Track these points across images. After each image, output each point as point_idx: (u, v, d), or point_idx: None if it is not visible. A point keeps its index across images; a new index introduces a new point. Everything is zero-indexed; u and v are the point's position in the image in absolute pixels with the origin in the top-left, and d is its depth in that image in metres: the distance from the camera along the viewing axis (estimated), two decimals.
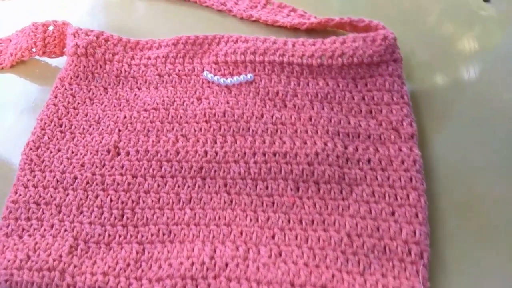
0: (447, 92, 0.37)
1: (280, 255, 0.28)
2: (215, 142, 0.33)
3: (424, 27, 0.42)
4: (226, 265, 0.27)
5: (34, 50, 0.39)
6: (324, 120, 0.33)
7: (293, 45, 0.36)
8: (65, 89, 0.36)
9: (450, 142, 0.34)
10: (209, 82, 0.36)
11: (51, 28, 0.39)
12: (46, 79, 0.39)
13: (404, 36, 0.38)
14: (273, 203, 0.30)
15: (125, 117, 0.34)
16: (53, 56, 0.39)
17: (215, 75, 0.36)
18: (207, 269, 0.27)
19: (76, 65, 0.37)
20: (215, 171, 0.31)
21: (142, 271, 0.28)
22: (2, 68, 0.40)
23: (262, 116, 0.34)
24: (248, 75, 0.36)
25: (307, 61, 0.35)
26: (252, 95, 0.35)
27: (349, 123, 0.33)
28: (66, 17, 0.43)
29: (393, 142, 0.32)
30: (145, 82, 0.37)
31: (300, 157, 0.31)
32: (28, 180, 0.31)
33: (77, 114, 0.35)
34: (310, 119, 0.33)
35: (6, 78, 0.40)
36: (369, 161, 0.31)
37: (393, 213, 0.29)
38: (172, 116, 0.34)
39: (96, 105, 0.35)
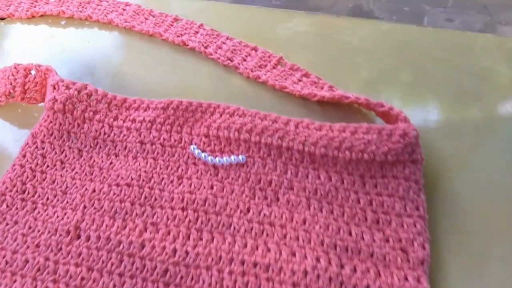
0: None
1: None
2: (188, 238, 0.28)
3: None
4: None
5: (12, 95, 0.35)
6: (321, 226, 0.28)
7: (296, 127, 0.31)
8: (36, 147, 0.32)
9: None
10: (195, 158, 0.31)
11: (33, 72, 0.35)
12: (26, 126, 0.36)
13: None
14: None
15: (94, 190, 0.30)
16: (33, 102, 0.36)
17: (203, 150, 0.32)
18: None
19: (51, 121, 0.33)
20: (181, 278, 0.26)
21: None
22: None
23: (248, 210, 0.29)
24: (240, 157, 0.31)
25: (309, 149, 0.30)
26: (241, 181, 0.30)
27: (350, 234, 0.28)
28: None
29: (399, 267, 0.26)
30: (125, 149, 0.32)
31: (285, 273, 0.26)
32: None
33: (43, 180, 0.31)
34: (304, 222, 0.28)
35: None
36: None
37: None
38: (145, 197, 0.30)
39: (67, 171, 0.31)
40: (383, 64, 0.40)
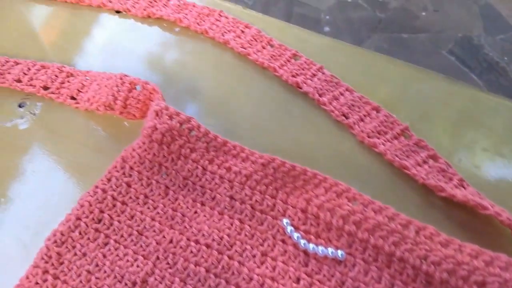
0: None
1: None
2: None
3: None
4: None
5: (112, 107, 0.33)
6: None
7: (417, 234, 0.26)
8: (124, 174, 0.30)
9: None
10: (285, 234, 0.27)
11: (138, 88, 0.33)
12: (116, 139, 0.34)
13: None
14: None
15: (171, 241, 0.27)
16: (130, 118, 0.34)
17: (296, 228, 0.27)
18: None
19: (146, 150, 0.30)
20: None
21: None
22: (77, 108, 0.35)
23: None
24: (339, 252, 0.26)
25: (428, 268, 0.24)
26: (335, 283, 0.25)
27: None
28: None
29: None
30: (212, 199, 0.29)
31: None
32: (36, 283, 0.26)
33: (122, 212, 0.29)
34: None
35: (75, 120, 0.35)
36: None
37: None
38: (222, 267, 0.26)
39: (149, 208, 0.29)
40: None
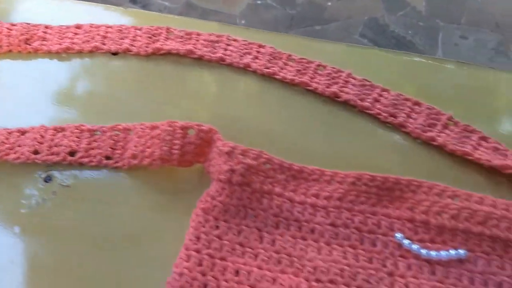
0: None
1: None
2: None
3: None
4: None
5: (169, 158, 0.30)
6: None
7: None
8: (211, 227, 0.27)
9: None
10: (401, 249, 0.27)
11: (191, 132, 0.30)
12: (175, 191, 0.31)
13: None
14: None
15: (290, 286, 0.25)
16: (188, 165, 0.31)
17: (410, 239, 0.27)
18: None
19: (228, 196, 0.28)
20: None
21: None
22: (117, 167, 0.31)
23: None
24: (461, 251, 0.26)
25: None
26: (466, 282, 0.25)
27: None
28: None
29: None
30: (312, 231, 0.27)
31: None
32: None
33: (225, 269, 0.26)
34: None
35: (119, 181, 0.31)
36: None
37: None
38: None
39: (250, 257, 0.26)
40: None
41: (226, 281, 0.25)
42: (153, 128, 0.31)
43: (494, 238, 0.26)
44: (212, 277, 0.25)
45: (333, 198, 0.28)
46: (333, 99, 0.37)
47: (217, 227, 0.27)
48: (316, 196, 0.28)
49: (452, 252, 0.26)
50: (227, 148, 0.28)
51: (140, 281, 0.27)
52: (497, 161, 0.32)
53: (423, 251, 0.26)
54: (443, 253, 0.26)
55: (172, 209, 0.30)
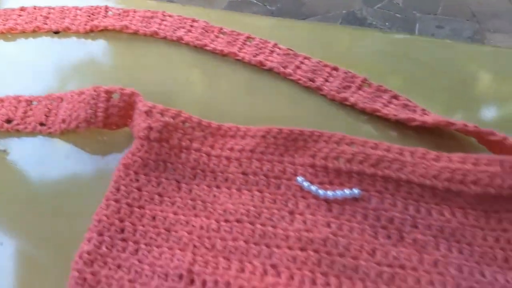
0: None
1: None
2: (315, 283, 0.26)
3: None
4: None
5: (93, 120, 0.32)
6: (454, 268, 0.26)
7: (412, 156, 0.30)
8: (130, 179, 0.30)
9: None
10: (303, 190, 0.29)
11: (115, 96, 0.33)
12: (99, 151, 0.33)
13: None
14: None
15: (201, 227, 0.28)
16: (113, 128, 0.33)
17: (311, 182, 0.30)
18: None
19: (146, 152, 0.30)
20: None
21: None
22: (50, 133, 0.34)
23: (374, 251, 0.27)
24: (355, 190, 0.29)
25: (431, 182, 0.29)
26: (360, 218, 0.28)
27: (483, 275, 0.26)
28: None
29: None
30: (226, 180, 0.30)
31: None
32: None
33: (142, 216, 0.28)
34: (436, 264, 0.26)
35: (54, 146, 0.34)
36: None
37: None
38: (259, 235, 0.28)
39: (167, 205, 0.29)
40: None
41: (142, 225, 0.28)
42: (81, 93, 0.33)
43: (386, 179, 0.29)
44: (130, 222, 0.28)
45: (245, 150, 0.31)
46: (259, 67, 0.39)
47: (137, 180, 0.30)
48: (231, 149, 0.31)
49: (347, 191, 0.29)
50: (146, 108, 0.31)
51: (69, 232, 0.29)
52: (403, 115, 0.35)
53: (321, 192, 0.29)
54: (338, 192, 0.29)
55: (103, 170, 0.33)
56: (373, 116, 0.36)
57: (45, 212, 0.30)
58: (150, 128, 0.30)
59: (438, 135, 0.35)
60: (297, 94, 0.38)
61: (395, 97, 0.37)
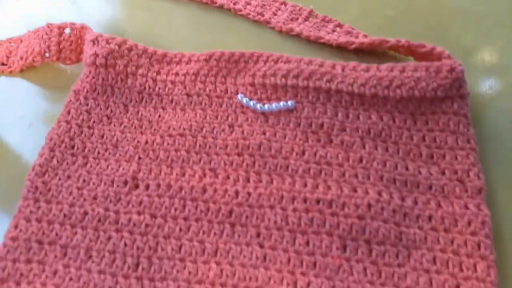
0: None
1: None
2: (248, 181, 0.28)
3: None
4: None
5: (47, 55, 0.34)
6: (378, 163, 0.28)
7: (343, 70, 0.31)
8: (80, 103, 0.32)
9: None
10: (243, 107, 0.31)
11: (67, 31, 0.35)
12: (60, 87, 0.35)
13: None
14: (315, 264, 0.25)
15: (146, 142, 0.30)
16: (68, 62, 0.35)
17: (250, 99, 0.31)
18: None
19: (93, 77, 0.32)
20: (246, 217, 0.27)
21: None
22: (11, 71, 0.36)
23: (303, 152, 0.29)
24: (289, 102, 0.31)
25: (359, 90, 0.30)
26: (293, 125, 0.30)
27: (407, 168, 0.28)
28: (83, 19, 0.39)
29: (458, 196, 0.27)
30: (171, 101, 0.32)
31: (349, 208, 0.26)
32: (31, 212, 0.27)
33: (91, 135, 0.31)
34: (361, 160, 0.29)
35: (15, 83, 0.36)
36: (430, 218, 0.26)
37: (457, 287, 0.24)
38: (200, 145, 0.30)
39: (115, 125, 0.31)
40: None
41: (91, 143, 0.30)
42: (36, 31, 0.35)
43: (318, 89, 0.31)
44: (79, 140, 0.30)
45: (189, 74, 0.33)
46: (210, 5, 0.41)
47: (87, 104, 0.32)
48: (176, 74, 0.33)
49: (282, 104, 0.31)
50: (92, 37, 0.33)
51: (33, 159, 0.32)
52: (343, 39, 0.36)
53: (258, 106, 0.31)
54: (274, 105, 0.31)
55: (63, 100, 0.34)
56: (318, 44, 0.38)
57: (12, 144, 0.33)
58: (96, 54, 0.32)
59: (379, 57, 0.36)
60: (247, 29, 0.39)
61: (339, 25, 0.38)
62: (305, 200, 0.27)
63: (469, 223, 0.26)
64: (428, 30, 0.39)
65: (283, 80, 0.31)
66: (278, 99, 0.31)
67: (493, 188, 0.29)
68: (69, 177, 0.29)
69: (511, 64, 0.36)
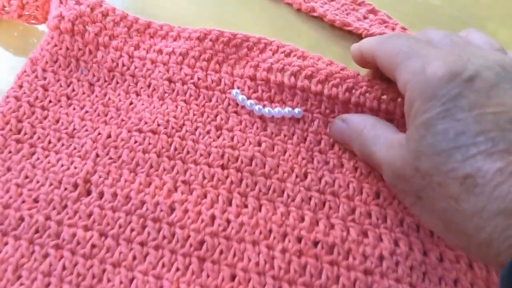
0: None
1: None
2: (230, 204, 0.22)
3: None
4: None
5: (7, 9, 0.28)
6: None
7: (369, 80, 0.24)
8: (36, 76, 0.25)
9: None
10: (237, 105, 0.25)
11: None
12: (25, 51, 0.29)
13: None
14: None
15: (109, 135, 0.24)
16: (33, 22, 0.28)
17: (248, 97, 0.25)
18: None
19: (56, 45, 0.26)
20: (221, 252, 0.21)
21: None
22: None
23: (305, 176, 0.23)
24: (296, 109, 0.24)
25: (387, 106, 0.24)
26: (296, 140, 0.24)
27: None
28: None
29: None
30: (148, 86, 0.26)
31: (355, 257, 0.20)
32: None
33: (45, 118, 0.24)
34: (378, 195, 0.22)
35: None
36: (455, 283, 0.20)
37: None
38: (175, 148, 0.23)
39: (74, 109, 0.25)
40: None
41: (43, 128, 0.24)
42: None
43: (333, 99, 0.24)
44: (29, 123, 0.24)
45: (176, 53, 0.26)
46: None
47: (44, 78, 0.25)
48: (159, 52, 0.26)
49: (285, 109, 0.24)
50: None
51: None
52: (375, 29, 0.29)
53: (257, 107, 0.24)
54: (277, 110, 0.24)
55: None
56: (343, 32, 0.31)
57: None
58: (61, 16, 0.25)
59: None
60: (259, 2, 0.32)
61: (373, 11, 0.31)
62: (299, 240, 0.21)
63: None
64: (465, 26, 0.32)
65: (292, 79, 0.24)
66: (283, 103, 0.25)
67: None
68: (9, 169, 0.23)
69: None
